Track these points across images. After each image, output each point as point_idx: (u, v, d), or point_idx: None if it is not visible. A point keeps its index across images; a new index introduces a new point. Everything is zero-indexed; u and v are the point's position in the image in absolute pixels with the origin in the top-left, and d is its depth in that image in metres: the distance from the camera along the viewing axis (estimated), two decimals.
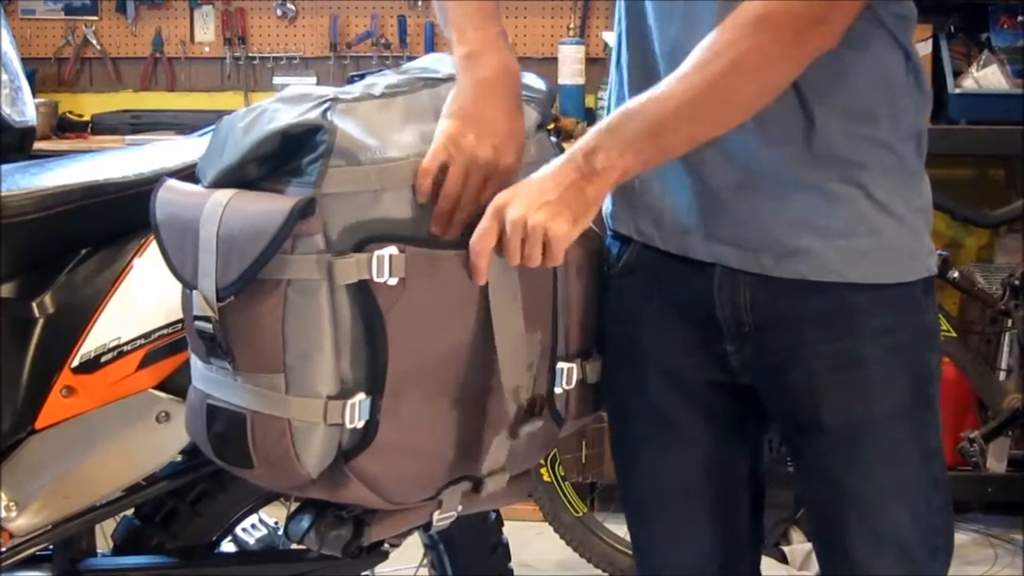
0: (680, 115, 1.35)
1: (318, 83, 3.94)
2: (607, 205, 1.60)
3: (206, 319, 1.42)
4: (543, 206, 1.35)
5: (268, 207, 1.37)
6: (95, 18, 4.11)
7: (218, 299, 1.40)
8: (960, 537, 2.56)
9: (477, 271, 1.39)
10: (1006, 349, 3.32)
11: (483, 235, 1.38)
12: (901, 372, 1.48)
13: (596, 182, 1.36)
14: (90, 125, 3.89)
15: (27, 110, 2.84)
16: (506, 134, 1.44)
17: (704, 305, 1.50)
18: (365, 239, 1.38)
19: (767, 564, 1.90)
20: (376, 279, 1.37)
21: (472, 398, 1.49)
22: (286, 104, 1.41)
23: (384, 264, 1.38)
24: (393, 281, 1.38)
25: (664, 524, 1.63)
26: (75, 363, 1.64)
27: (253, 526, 1.98)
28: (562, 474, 3.11)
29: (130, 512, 1.86)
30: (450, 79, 1.50)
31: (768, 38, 1.33)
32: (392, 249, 1.38)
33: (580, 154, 1.36)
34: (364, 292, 1.38)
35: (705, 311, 1.50)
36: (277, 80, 4.03)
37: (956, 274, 3.09)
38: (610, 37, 3.78)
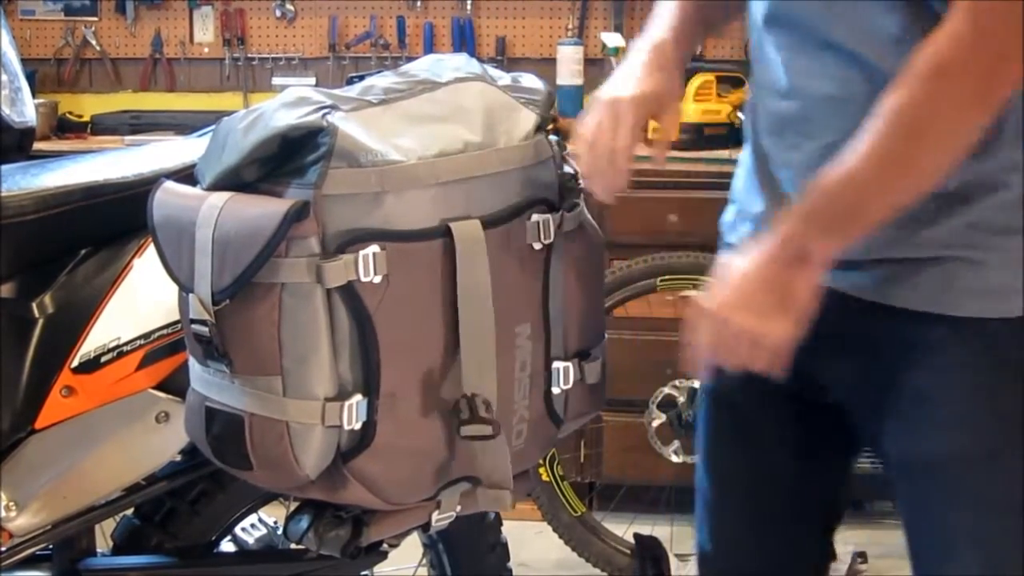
0: (878, 194, 1.28)
1: (317, 84, 3.94)
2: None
3: (202, 322, 1.42)
4: (765, 323, 1.32)
5: (263, 210, 1.38)
6: (95, 19, 4.12)
7: (213, 303, 1.41)
8: None
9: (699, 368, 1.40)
10: None
11: (694, 334, 1.37)
12: (980, 412, 1.36)
13: (806, 274, 1.32)
14: (89, 125, 3.90)
15: (27, 111, 2.83)
16: (645, 90, 1.47)
17: None
18: (349, 240, 1.38)
19: None
20: (363, 279, 1.38)
21: None
22: (285, 107, 1.41)
23: (369, 263, 1.38)
24: (377, 279, 1.39)
25: (723, 522, 1.61)
26: (75, 363, 1.65)
27: (252, 526, 1.98)
28: (560, 474, 3.11)
29: (129, 512, 1.86)
30: (449, 84, 1.50)
31: (947, 92, 1.23)
32: (374, 247, 1.39)
33: (783, 249, 1.32)
34: (351, 293, 1.38)
35: None
36: (276, 81, 4.04)
37: None
38: (608, 38, 3.80)
